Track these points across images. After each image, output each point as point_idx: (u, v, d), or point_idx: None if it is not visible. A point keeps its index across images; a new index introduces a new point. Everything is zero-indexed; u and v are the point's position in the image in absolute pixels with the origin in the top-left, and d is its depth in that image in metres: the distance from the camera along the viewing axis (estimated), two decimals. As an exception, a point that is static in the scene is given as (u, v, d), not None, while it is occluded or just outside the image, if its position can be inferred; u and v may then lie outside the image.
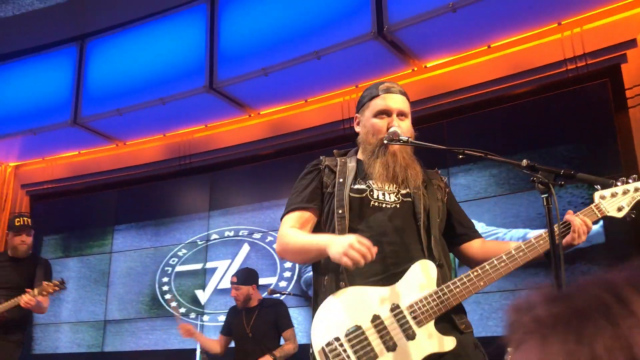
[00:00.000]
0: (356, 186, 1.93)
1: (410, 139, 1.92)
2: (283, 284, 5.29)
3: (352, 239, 1.69)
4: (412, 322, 1.74)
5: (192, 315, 5.54)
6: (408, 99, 2.06)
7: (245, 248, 5.56)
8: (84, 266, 6.19)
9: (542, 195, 1.69)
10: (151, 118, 5.60)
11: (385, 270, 1.81)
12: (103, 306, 5.95)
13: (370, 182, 1.94)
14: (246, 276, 4.33)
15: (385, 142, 1.94)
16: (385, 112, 2.00)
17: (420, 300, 1.77)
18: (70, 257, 6.29)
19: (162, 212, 6.02)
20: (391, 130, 1.95)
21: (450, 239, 2.05)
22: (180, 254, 5.84)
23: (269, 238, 5.50)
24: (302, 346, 4.42)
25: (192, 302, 5.62)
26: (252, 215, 5.64)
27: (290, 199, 2.03)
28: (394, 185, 1.94)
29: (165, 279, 5.79)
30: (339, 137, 5.42)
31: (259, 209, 5.63)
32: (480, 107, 4.77)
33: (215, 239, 5.73)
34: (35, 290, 3.76)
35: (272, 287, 5.06)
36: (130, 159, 6.25)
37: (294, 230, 1.93)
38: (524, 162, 1.73)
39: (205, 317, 5.48)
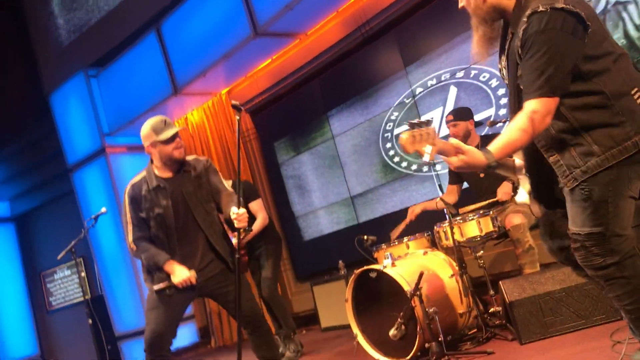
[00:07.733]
0: None
1: None
2: (502, 111, 5.08)
3: None
4: None
5: (425, 169, 5.70)
6: None
7: (453, 90, 5.41)
8: (316, 157, 6.71)
9: None
10: (319, -1, 5.60)
11: None
12: (344, 185, 6.45)
13: None
14: (461, 111, 4.26)
15: None
16: None
17: None
18: (301, 153, 6.86)
19: (363, 84, 6.12)
20: None
21: None
22: (393, 117, 5.95)
23: (473, 72, 5.25)
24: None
25: (420, 156, 5.74)
26: (448, 56, 5.41)
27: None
28: None
29: (389, 145, 6.00)
30: None
31: (452, 47, 5.36)
32: None
33: (420, 92, 5.68)
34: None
35: (492, 118, 4.89)
36: (316, 46, 6.40)
37: None
38: None
39: (438, 167, 5.59)
